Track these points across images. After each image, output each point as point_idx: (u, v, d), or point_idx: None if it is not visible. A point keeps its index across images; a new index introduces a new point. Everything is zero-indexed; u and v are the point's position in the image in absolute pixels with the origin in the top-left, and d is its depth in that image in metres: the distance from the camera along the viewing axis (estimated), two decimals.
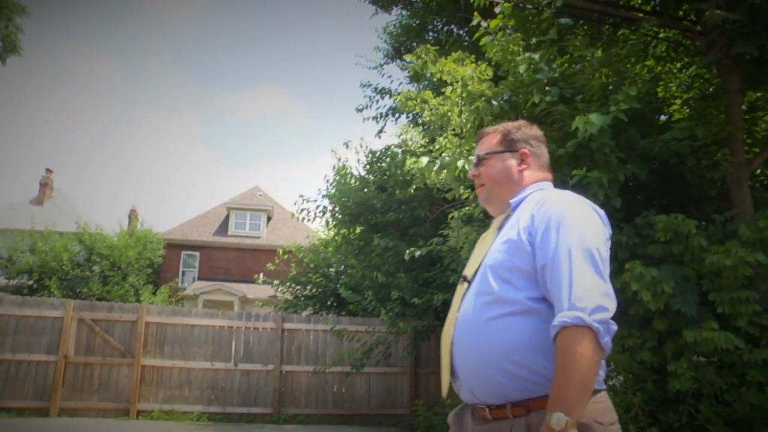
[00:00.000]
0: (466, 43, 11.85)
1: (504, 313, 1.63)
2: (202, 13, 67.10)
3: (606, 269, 1.61)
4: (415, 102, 6.51)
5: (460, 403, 1.85)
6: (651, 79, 6.14)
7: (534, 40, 5.96)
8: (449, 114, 6.16)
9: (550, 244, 1.61)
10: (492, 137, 2.01)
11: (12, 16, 15.51)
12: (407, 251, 8.40)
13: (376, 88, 12.26)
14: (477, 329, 1.67)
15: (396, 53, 15.10)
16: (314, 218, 11.61)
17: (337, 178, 11.60)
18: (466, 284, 1.82)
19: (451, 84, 7.05)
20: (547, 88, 5.68)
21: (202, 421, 10.11)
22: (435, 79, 10.03)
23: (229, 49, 64.84)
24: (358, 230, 11.47)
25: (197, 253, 25.31)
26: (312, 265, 12.90)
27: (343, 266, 12.48)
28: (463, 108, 5.92)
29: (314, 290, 13.09)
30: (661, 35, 7.16)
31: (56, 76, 69.95)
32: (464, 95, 5.80)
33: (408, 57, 6.85)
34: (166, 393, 10.40)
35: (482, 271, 1.76)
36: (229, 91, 67.88)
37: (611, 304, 1.52)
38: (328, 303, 12.74)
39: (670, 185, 6.95)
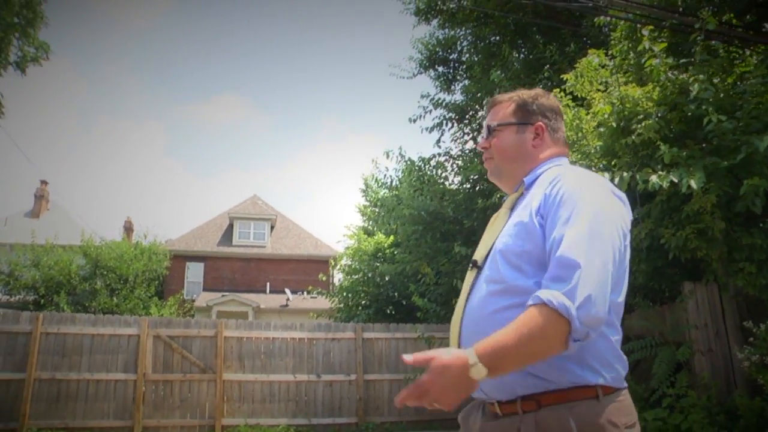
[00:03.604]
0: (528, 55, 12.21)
1: (513, 304, 1.49)
2: (161, 22, 65.98)
3: (617, 261, 1.49)
4: (571, 120, 6.80)
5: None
6: None
7: (682, 60, 6.34)
8: (601, 130, 6.47)
9: (560, 226, 1.48)
10: (505, 106, 1.84)
11: (38, 25, 15.29)
12: None
13: (432, 99, 12.49)
14: (485, 321, 1.54)
15: (430, 64, 15.40)
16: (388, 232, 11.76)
17: (406, 186, 11.78)
18: (476, 270, 1.68)
19: (580, 100, 7.37)
20: (704, 107, 6.04)
21: None
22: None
23: (186, 61, 63.83)
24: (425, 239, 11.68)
25: (202, 264, 25.04)
26: (369, 275, 13.04)
27: (396, 274, 12.64)
28: (620, 124, 6.25)
29: (367, 299, 13.24)
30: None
31: (25, 84, 67.77)
32: (626, 113, 6.12)
33: (565, 77, 7.10)
34: (250, 407, 10.40)
35: (492, 256, 1.62)
36: (190, 101, 66.83)
37: (603, 307, 1.39)
38: (387, 311, 12.89)
39: None
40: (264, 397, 10.47)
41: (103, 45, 63.03)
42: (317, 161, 74.58)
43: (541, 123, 1.79)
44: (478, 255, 1.70)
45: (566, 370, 1.46)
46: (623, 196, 1.63)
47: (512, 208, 1.73)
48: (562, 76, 7.22)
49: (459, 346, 1.60)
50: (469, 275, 1.70)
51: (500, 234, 1.65)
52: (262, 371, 10.57)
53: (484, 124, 1.87)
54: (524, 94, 1.84)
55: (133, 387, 10.16)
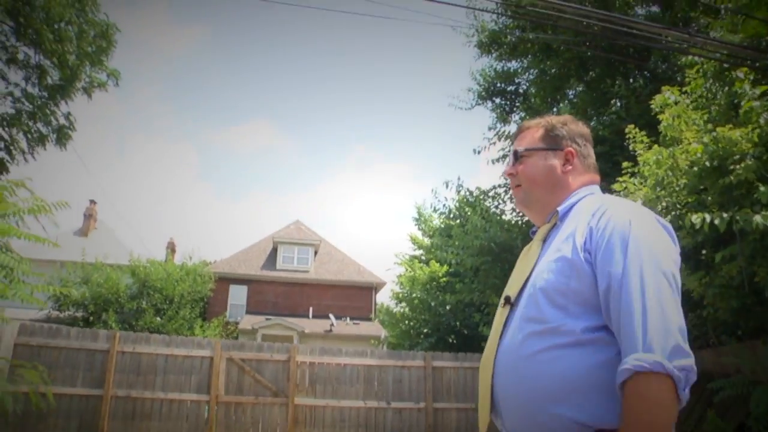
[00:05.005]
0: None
1: (556, 345, 1.39)
2: (194, 48, 67.24)
3: (679, 297, 1.38)
4: (666, 158, 6.95)
5: None
6: None
7: None
8: (695, 169, 6.61)
9: (615, 264, 1.37)
10: (533, 131, 1.77)
11: (110, 52, 15.82)
12: None
13: (497, 132, 12.74)
14: (524, 363, 1.43)
15: (488, 95, 15.69)
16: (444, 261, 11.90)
17: (475, 217, 11.96)
18: (508, 306, 1.56)
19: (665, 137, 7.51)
20: None
21: None
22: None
23: (218, 86, 64.66)
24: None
25: (245, 287, 25.31)
26: (432, 303, 13.16)
27: (458, 303, 12.74)
28: (713, 164, 6.40)
29: (428, 328, 13.35)
30: None
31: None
32: (720, 153, 6.26)
33: (662, 117, 7.21)
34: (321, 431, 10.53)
35: (530, 292, 1.51)
36: (221, 126, 67.63)
37: (687, 346, 1.29)
38: (449, 340, 12.98)
39: None
40: (334, 422, 10.59)
41: (137, 69, 64.49)
42: (353, 189, 75.01)
43: (571, 149, 1.72)
44: (511, 291, 1.58)
45: (610, 409, 1.34)
46: (670, 227, 1.52)
47: (545, 240, 1.65)
48: (658, 116, 7.34)
49: (492, 388, 1.51)
50: (501, 312, 1.58)
51: (536, 269, 1.56)
52: (332, 396, 10.71)
53: (511, 149, 1.81)
54: (553, 119, 1.78)
55: (206, 408, 10.35)
